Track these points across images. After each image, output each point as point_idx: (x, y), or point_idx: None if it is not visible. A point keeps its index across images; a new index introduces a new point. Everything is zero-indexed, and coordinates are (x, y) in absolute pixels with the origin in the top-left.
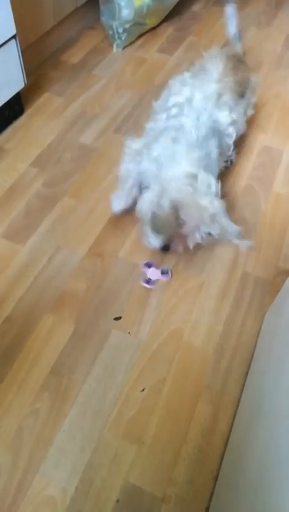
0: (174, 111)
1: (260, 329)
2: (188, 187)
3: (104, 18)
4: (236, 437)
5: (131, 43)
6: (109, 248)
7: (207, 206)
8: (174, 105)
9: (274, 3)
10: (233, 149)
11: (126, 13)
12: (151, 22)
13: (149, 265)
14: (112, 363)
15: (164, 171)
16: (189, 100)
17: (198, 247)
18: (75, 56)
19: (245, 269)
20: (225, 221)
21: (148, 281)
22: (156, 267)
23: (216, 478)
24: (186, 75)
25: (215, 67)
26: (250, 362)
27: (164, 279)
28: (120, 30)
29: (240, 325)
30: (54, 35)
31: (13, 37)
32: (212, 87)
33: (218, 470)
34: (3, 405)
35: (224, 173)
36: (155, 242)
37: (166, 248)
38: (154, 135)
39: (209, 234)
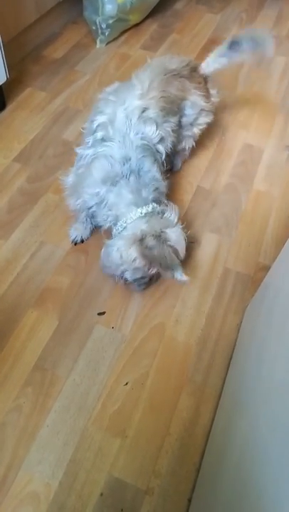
0: (99, 134)
1: (240, 323)
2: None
3: (87, 13)
4: (218, 429)
5: (114, 39)
6: (92, 243)
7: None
8: (98, 126)
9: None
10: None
11: (109, 8)
12: (134, 18)
13: None
14: (96, 357)
15: (121, 220)
16: (112, 120)
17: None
18: (57, 51)
19: (226, 264)
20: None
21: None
22: None
23: (198, 470)
24: (111, 88)
25: (140, 81)
26: (232, 355)
27: None
28: (103, 25)
29: (221, 319)
30: (36, 30)
31: None
32: (134, 103)
33: (201, 462)
34: None
35: (205, 169)
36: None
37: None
38: (85, 164)
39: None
